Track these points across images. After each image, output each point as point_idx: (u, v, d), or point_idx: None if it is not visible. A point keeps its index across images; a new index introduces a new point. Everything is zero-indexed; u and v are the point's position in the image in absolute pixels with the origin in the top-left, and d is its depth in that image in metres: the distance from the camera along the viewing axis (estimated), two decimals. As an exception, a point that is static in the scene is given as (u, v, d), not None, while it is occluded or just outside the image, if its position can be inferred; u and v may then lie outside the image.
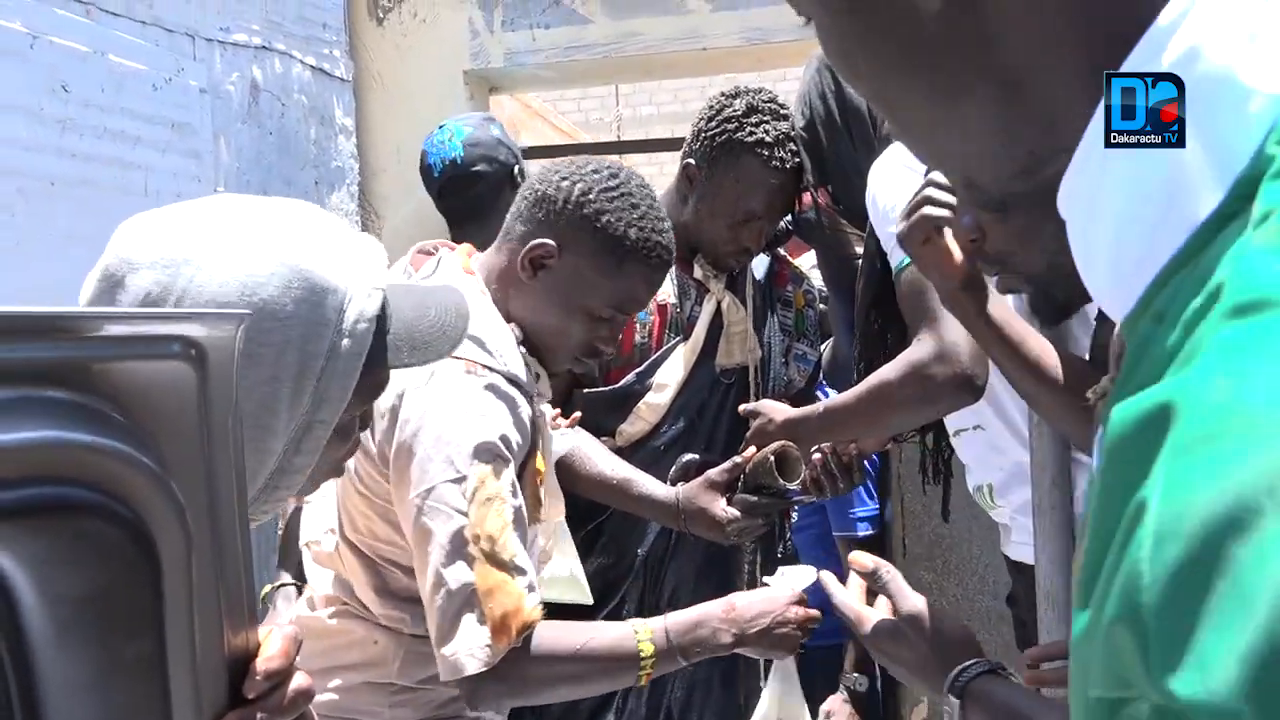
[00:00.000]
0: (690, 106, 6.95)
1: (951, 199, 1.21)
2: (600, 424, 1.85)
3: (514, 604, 1.19)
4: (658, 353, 1.89)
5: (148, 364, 0.57)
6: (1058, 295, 0.77)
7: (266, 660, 0.67)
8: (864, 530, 2.61)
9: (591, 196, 1.32)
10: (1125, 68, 0.38)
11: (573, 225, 1.32)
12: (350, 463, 1.24)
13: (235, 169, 2.22)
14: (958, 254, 1.19)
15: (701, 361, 1.91)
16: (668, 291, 1.91)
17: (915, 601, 1.01)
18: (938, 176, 1.24)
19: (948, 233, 1.19)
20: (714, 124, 1.83)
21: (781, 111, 1.84)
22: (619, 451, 1.83)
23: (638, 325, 1.89)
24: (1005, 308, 1.25)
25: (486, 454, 1.20)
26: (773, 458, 1.60)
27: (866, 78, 0.48)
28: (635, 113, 8.89)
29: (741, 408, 1.83)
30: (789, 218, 1.94)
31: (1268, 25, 0.36)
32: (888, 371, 1.52)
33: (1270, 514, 0.28)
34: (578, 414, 1.76)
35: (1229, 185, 0.35)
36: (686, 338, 1.91)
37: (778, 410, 1.76)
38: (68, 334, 0.55)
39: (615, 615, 1.84)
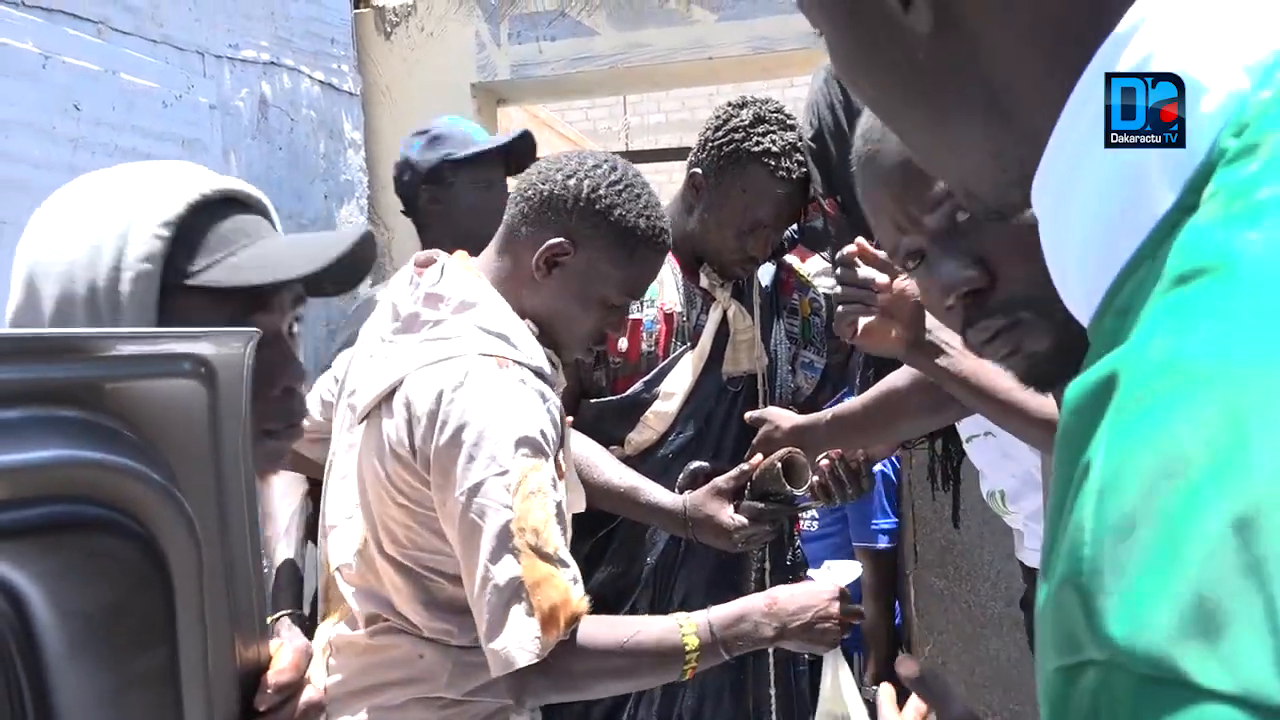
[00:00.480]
0: (698, 114, 6.96)
1: (869, 273, 1.25)
2: (609, 433, 1.86)
3: (561, 596, 1.19)
4: (665, 361, 1.90)
5: (159, 382, 0.58)
6: (1075, 332, 0.77)
7: (277, 673, 0.68)
8: (884, 542, 2.61)
9: (601, 192, 1.33)
10: (1085, 76, 0.39)
11: (585, 222, 1.34)
12: (382, 474, 1.25)
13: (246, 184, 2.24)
14: (892, 328, 1.23)
15: (708, 370, 1.92)
16: (674, 300, 1.92)
17: (961, 711, 0.91)
18: (845, 260, 1.28)
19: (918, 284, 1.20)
20: (721, 134, 1.84)
21: (788, 122, 1.85)
22: (627, 460, 1.83)
23: (644, 334, 1.90)
24: (972, 357, 1.24)
25: (528, 447, 1.21)
26: (780, 464, 1.60)
27: (867, 91, 0.49)
28: (643, 121, 8.91)
29: (748, 415, 1.83)
30: (794, 227, 1.95)
31: (1221, 27, 0.36)
32: (896, 379, 1.52)
33: (1202, 461, 0.28)
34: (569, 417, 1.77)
35: (1185, 181, 0.36)
36: (693, 346, 1.91)
37: (784, 417, 1.76)
38: (80, 354, 0.56)
39: None
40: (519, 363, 1.26)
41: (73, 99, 1.88)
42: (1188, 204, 0.36)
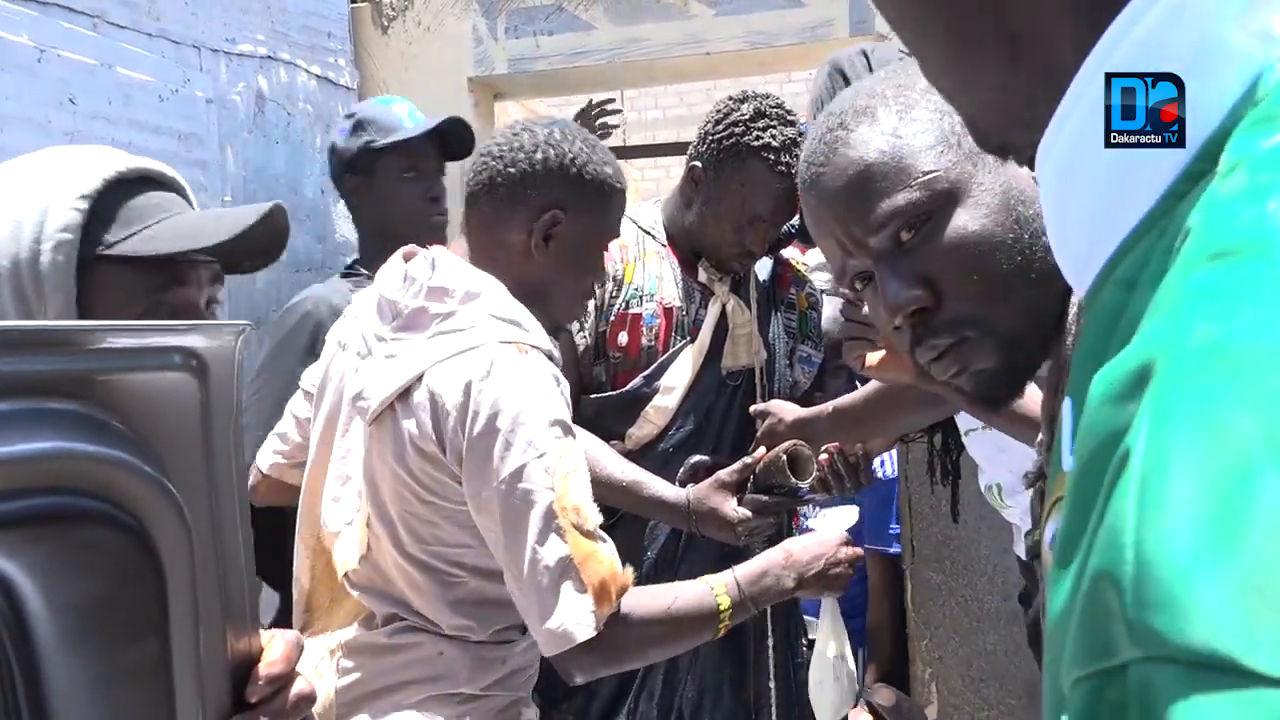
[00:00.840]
0: (696, 110, 6.95)
1: (864, 313, 1.28)
2: (609, 428, 1.86)
3: (609, 570, 1.22)
4: (664, 356, 1.90)
5: (150, 375, 0.58)
6: (1022, 350, 0.77)
7: (269, 665, 0.68)
8: (896, 548, 2.61)
9: (571, 155, 1.36)
10: (1112, 29, 0.38)
11: (568, 187, 1.37)
12: (402, 472, 1.25)
13: (242, 178, 2.24)
14: (900, 357, 1.26)
15: (708, 364, 1.92)
16: (674, 295, 1.92)
17: None
18: (840, 301, 1.31)
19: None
20: (721, 128, 1.84)
21: (788, 117, 1.85)
22: (628, 455, 1.84)
23: (644, 329, 1.90)
24: None
25: (559, 428, 1.24)
26: (785, 456, 1.60)
27: (890, 12, 0.48)
28: (640, 116, 8.89)
29: (752, 409, 1.84)
30: (792, 221, 1.95)
31: None
32: None
33: (1257, 444, 0.27)
34: None
35: (1198, 145, 0.35)
36: (693, 340, 1.91)
37: (787, 410, 1.77)
38: (71, 347, 0.56)
39: None
40: (535, 347, 1.28)
41: (68, 93, 1.88)
42: (1196, 171, 0.35)
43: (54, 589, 0.52)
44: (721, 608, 1.32)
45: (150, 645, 0.56)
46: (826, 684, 1.61)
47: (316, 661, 1.33)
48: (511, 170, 1.36)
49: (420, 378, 1.25)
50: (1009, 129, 0.45)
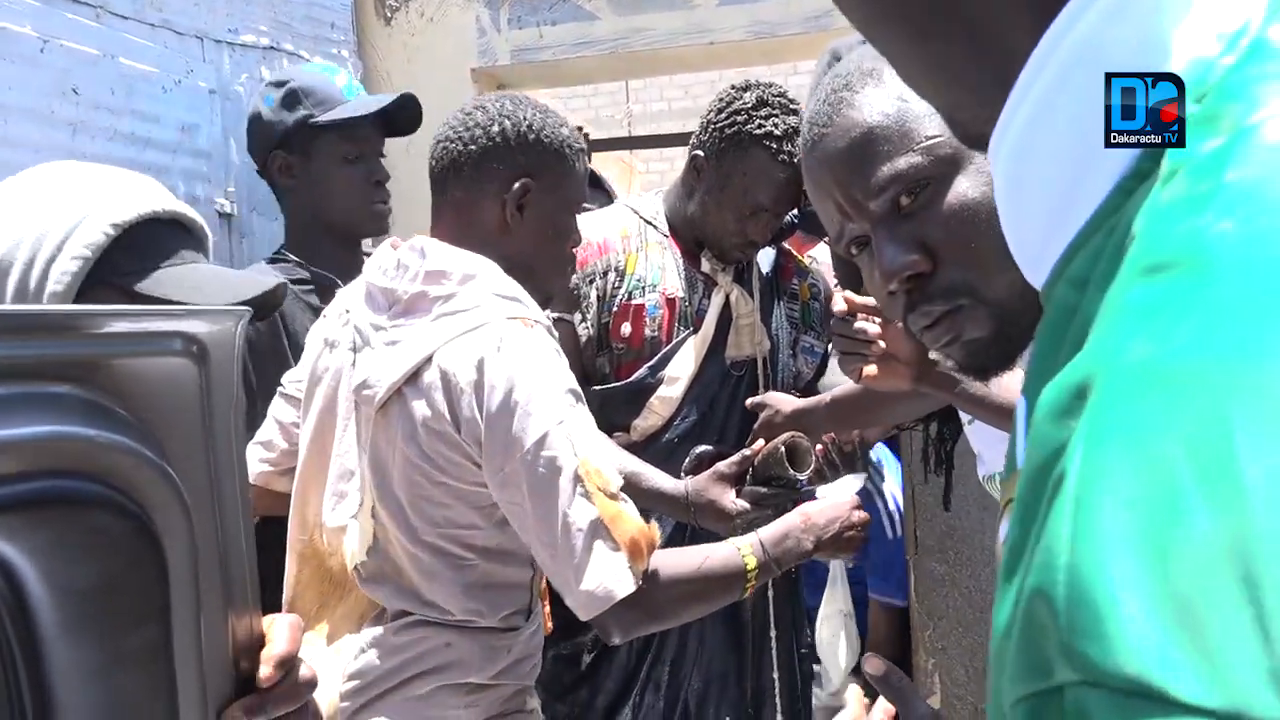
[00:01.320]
0: (701, 102, 6.93)
1: (861, 325, 1.29)
2: (613, 419, 1.86)
3: (637, 528, 1.24)
4: (668, 346, 1.90)
5: (151, 360, 0.58)
6: (1015, 322, 0.76)
7: (275, 649, 0.68)
8: (901, 601, 2.60)
9: (528, 124, 1.38)
10: (1060, 18, 0.38)
11: (531, 155, 1.38)
12: (414, 455, 1.25)
13: (245, 168, 2.24)
14: (897, 367, 1.27)
15: (712, 354, 1.92)
16: (676, 285, 1.92)
17: (924, 712, 0.91)
18: (837, 310, 1.33)
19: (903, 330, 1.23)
20: (724, 116, 1.84)
21: (791, 106, 1.85)
22: (632, 446, 1.84)
23: (647, 319, 1.90)
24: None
25: (573, 396, 1.26)
26: (783, 448, 1.60)
27: (856, 16, 0.48)
28: (646, 109, 8.88)
29: (749, 401, 1.84)
30: (795, 211, 1.95)
31: None
32: None
33: (1186, 470, 0.27)
34: None
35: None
36: (696, 331, 1.91)
37: (785, 402, 1.77)
38: (73, 331, 0.56)
39: None
40: (538, 321, 1.30)
41: (71, 83, 1.88)
42: (1144, 169, 0.35)
43: (55, 573, 0.52)
44: (749, 567, 1.36)
45: (152, 630, 0.56)
46: (838, 640, 1.66)
47: (318, 660, 1.33)
48: (473, 148, 1.37)
49: (430, 359, 1.26)
50: (984, 123, 0.45)
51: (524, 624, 1.36)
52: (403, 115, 1.91)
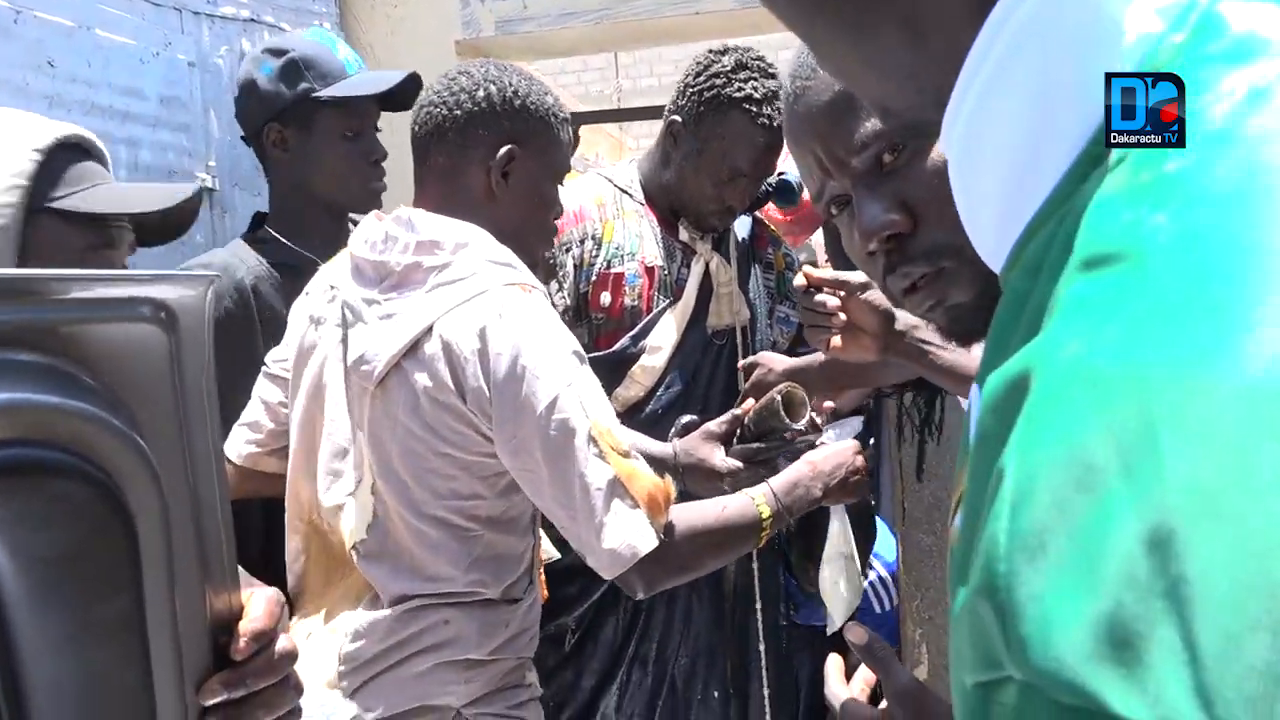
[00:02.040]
0: (688, 75, 6.88)
1: (823, 298, 1.29)
2: (596, 391, 1.85)
3: (651, 482, 1.25)
4: (648, 316, 1.89)
5: (117, 326, 0.57)
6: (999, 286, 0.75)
7: (251, 623, 0.67)
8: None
9: (513, 87, 1.37)
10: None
11: (516, 121, 1.37)
12: (417, 427, 1.25)
13: (226, 142, 2.21)
14: (862, 338, 1.28)
15: (693, 323, 1.91)
16: (655, 254, 1.90)
17: (906, 680, 0.90)
18: (796, 284, 1.34)
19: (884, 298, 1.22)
20: (702, 79, 1.82)
21: (770, 70, 1.83)
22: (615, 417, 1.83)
23: (626, 288, 1.88)
24: (951, 350, 1.26)
25: (578, 357, 1.27)
26: (780, 398, 1.59)
27: (784, 12, 0.47)
28: (635, 84, 8.83)
29: (741, 363, 1.83)
30: (771, 180, 1.93)
31: None
32: None
33: (1114, 474, 0.27)
34: None
35: (1094, 128, 0.35)
36: (676, 300, 1.90)
37: (777, 361, 1.77)
38: (35, 296, 0.55)
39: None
40: (535, 286, 1.30)
41: (46, 55, 1.85)
42: (1096, 154, 0.35)
43: (21, 542, 0.51)
44: (763, 516, 1.38)
45: (123, 601, 0.55)
46: (840, 583, 1.68)
47: (317, 638, 1.32)
48: (458, 114, 1.36)
49: (430, 330, 1.25)
50: (921, 110, 0.44)
51: (523, 595, 1.36)
52: (402, 92, 1.85)
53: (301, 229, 1.80)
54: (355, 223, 1.70)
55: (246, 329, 1.68)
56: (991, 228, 0.40)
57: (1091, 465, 0.27)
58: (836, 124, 0.79)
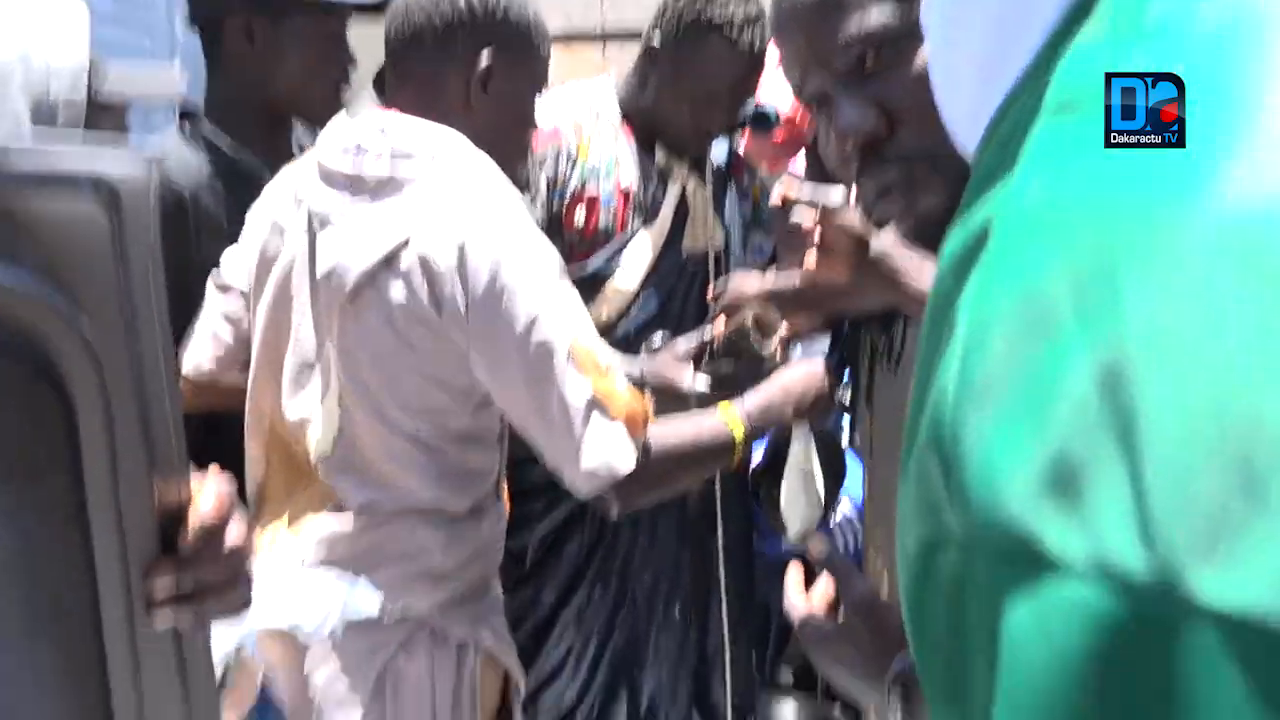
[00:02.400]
0: (673, 0, 6.74)
1: (797, 217, 1.26)
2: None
3: (629, 400, 1.25)
4: (621, 235, 1.87)
5: (56, 204, 0.55)
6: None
7: (200, 514, 0.67)
8: None
9: None
10: None
11: (496, 30, 1.34)
12: (391, 341, 1.22)
13: (191, 44, 2.15)
14: (834, 260, 1.24)
15: (669, 246, 1.90)
16: (631, 177, 1.88)
17: (865, 591, 0.89)
18: (772, 202, 1.30)
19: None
20: (681, 1, 1.78)
21: None
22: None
23: (602, 209, 1.86)
24: (925, 279, 1.25)
25: (560, 270, 1.26)
26: (751, 318, 1.59)
27: None
28: (620, 16, 8.64)
29: (713, 287, 1.82)
30: (748, 108, 1.91)
31: None
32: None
33: (1068, 314, 0.26)
34: None
35: None
36: (649, 222, 1.89)
37: (750, 281, 1.76)
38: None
39: (580, 519, 1.85)
40: (514, 197, 1.29)
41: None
42: (1079, 13, 0.34)
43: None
44: (737, 438, 1.39)
45: (60, 479, 0.55)
46: (797, 498, 1.71)
47: (280, 544, 1.32)
48: (437, 22, 1.32)
49: (406, 242, 1.23)
50: None
51: (490, 508, 1.36)
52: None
53: (239, 130, 1.62)
54: (307, 130, 1.64)
55: (180, 235, 1.57)
56: (968, 109, 0.39)
57: (1046, 307, 0.26)
58: (824, 19, 0.78)
